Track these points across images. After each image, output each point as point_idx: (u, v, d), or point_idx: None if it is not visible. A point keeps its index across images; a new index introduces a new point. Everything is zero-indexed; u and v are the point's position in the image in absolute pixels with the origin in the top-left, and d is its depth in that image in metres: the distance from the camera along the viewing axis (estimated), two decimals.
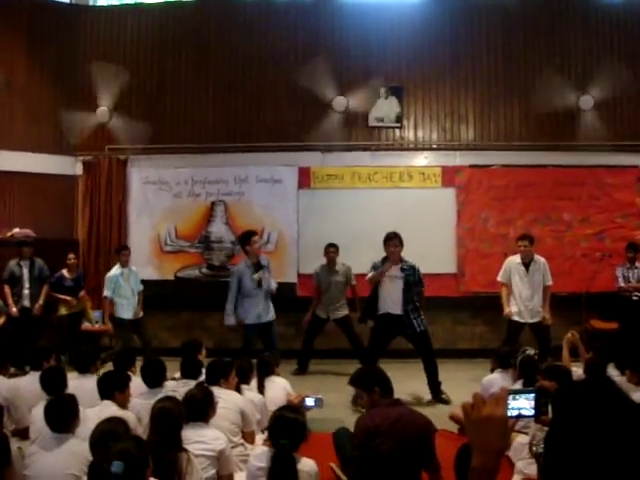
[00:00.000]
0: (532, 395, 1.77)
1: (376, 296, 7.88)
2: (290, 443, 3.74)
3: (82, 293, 9.79)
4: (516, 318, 8.49)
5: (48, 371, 5.19)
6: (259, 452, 3.94)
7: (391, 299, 7.74)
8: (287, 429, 3.82)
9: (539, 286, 8.51)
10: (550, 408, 1.70)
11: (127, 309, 9.18)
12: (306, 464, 3.87)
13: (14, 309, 9.21)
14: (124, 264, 9.29)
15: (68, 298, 9.56)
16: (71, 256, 9.77)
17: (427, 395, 7.79)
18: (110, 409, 4.58)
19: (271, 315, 8.46)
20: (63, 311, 9.60)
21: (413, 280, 7.77)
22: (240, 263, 8.56)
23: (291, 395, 5.53)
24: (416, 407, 7.28)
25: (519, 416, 1.74)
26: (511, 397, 1.71)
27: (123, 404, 4.80)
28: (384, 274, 7.76)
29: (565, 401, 1.30)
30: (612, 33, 10.51)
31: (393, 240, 7.82)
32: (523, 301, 8.49)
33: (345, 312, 9.32)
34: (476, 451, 1.56)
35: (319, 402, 4.78)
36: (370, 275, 7.86)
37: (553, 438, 1.29)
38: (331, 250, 9.33)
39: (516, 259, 8.59)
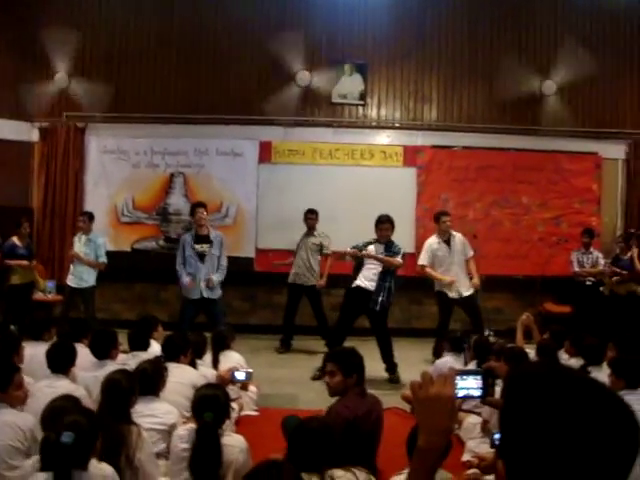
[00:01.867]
0: (480, 376, 1.76)
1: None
2: (214, 417, 3.67)
3: (34, 262, 9.58)
4: (448, 293, 8.51)
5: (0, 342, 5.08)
6: (182, 432, 3.83)
7: (369, 274, 7.73)
8: (209, 406, 3.75)
9: (462, 260, 8.58)
10: (498, 390, 1.69)
11: (71, 277, 9.02)
12: (234, 439, 3.83)
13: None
14: (79, 230, 9.10)
15: (24, 263, 9.32)
16: (26, 224, 9.55)
17: (380, 374, 7.81)
18: (61, 383, 4.49)
19: (215, 293, 8.34)
20: (15, 280, 9.37)
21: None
22: (185, 235, 8.58)
23: (225, 372, 5.45)
24: (370, 386, 7.39)
25: (467, 396, 1.74)
26: (459, 377, 1.70)
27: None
28: (359, 255, 7.78)
29: (518, 384, 1.28)
30: (577, 19, 10.58)
31: (385, 224, 7.84)
32: (454, 276, 8.50)
33: (313, 282, 9.19)
34: (422, 430, 1.54)
35: (249, 375, 4.74)
36: (348, 249, 7.83)
37: (507, 422, 1.27)
38: (310, 217, 9.29)
39: (434, 240, 8.63)
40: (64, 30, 10.46)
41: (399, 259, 7.80)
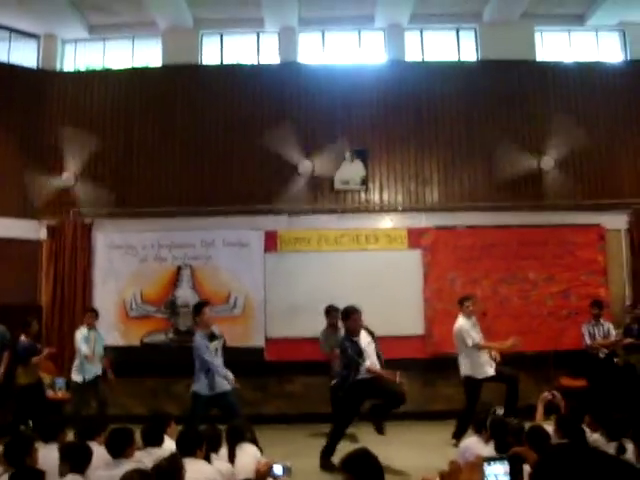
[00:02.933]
0: (507, 461, 1.77)
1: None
2: None
3: (35, 359, 9.47)
4: (479, 376, 8.45)
5: (12, 442, 5.04)
6: None
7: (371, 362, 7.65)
8: None
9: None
10: (525, 475, 1.70)
11: (81, 371, 9.00)
12: None
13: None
14: (90, 325, 9.14)
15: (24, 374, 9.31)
16: (34, 322, 9.57)
17: (398, 459, 7.68)
18: None
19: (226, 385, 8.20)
20: (21, 380, 9.32)
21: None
22: (196, 336, 7.94)
23: (260, 463, 5.38)
24: (387, 472, 7.26)
25: None
26: (486, 464, 1.71)
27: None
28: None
29: (549, 470, 1.28)
30: (569, 95, 10.85)
31: (358, 313, 7.70)
32: (482, 355, 8.51)
33: None
34: None
35: (287, 471, 4.63)
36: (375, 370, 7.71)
37: None
38: (333, 314, 9.05)
39: (465, 321, 8.59)
40: (71, 129, 10.75)
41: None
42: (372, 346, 7.72)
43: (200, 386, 7.92)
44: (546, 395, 6.56)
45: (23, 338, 9.36)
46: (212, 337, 8.04)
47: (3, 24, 11.24)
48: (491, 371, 8.46)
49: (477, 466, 1.60)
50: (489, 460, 1.76)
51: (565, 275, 10.37)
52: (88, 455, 4.76)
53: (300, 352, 9.93)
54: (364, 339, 7.70)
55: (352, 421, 7.81)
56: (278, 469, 4.54)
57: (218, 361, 7.92)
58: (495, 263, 10.35)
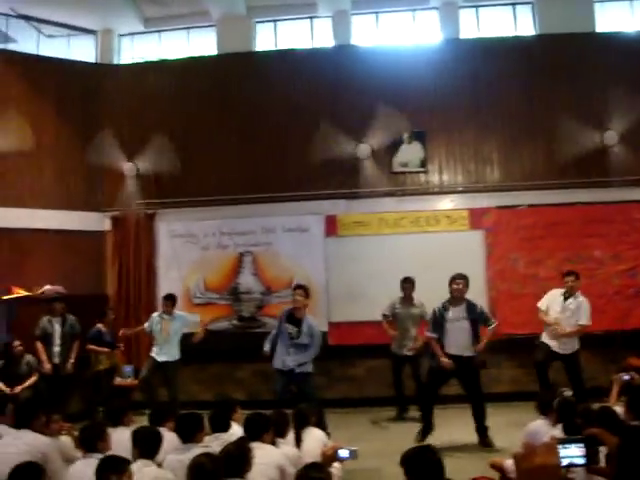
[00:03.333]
0: (582, 444, 1.73)
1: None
2: None
3: (120, 347, 9.79)
4: (547, 341, 8.49)
5: (86, 427, 5.17)
6: None
7: (456, 341, 7.66)
8: None
9: (573, 320, 8.46)
10: (602, 457, 1.66)
11: (157, 354, 9.16)
12: None
13: (48, 365, 9.19)
14: (165, 312, 9.31)
15: (106, 350, 9.58)
16: (111, 312, 9.91)
17: (465, 440, 7.64)
18: (149, 469, 4.52)
19: (302, 367, 8.15)
20: (100, 366, 9.60)
21: (479, 319, 7.76)
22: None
23: (326, 447, 5.39)
24: (455, 454, 7.23)
25: (570, 465, 1.70)
26: (561, 446, 1.67)
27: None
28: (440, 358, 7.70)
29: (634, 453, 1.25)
30: (632, 66, 10.46)
31: (457, 280, 7.78)
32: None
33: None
34: None
35: (353, 453, 4.63)
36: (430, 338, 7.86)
37: None
38: (406, 285, 9.25)
39: (559, 290, 8.64)
40: (129, 121, 10.94)
41: (493, 323, 7.91)
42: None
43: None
44: (620, 376, 6.42)
45: (100, 326, 9.63)
46: (294, 321, 8.08)
47: (62, 22, 11.47)
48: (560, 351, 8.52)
49: (552, 448, 1.57)
50: (564, 442, 1.72)
51: (631, 253, 10.11)
52: (158, 440, 4.85)
53: (362, 336, 9.95)
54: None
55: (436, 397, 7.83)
56: (344, 453, 4.54)
57: (287, 341, 8.03)
58: (559, 242, 10.15)
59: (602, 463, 1.71)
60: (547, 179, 10.33)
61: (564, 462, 1.67)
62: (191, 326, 9.42)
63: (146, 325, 9.34)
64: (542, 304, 8.69)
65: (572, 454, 1.72)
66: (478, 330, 7.73)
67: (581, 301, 8.55)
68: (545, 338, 8.58)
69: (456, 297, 7.76)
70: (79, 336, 9.55)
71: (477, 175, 10.61)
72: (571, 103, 10.46)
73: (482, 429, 7.67)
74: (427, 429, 7.74)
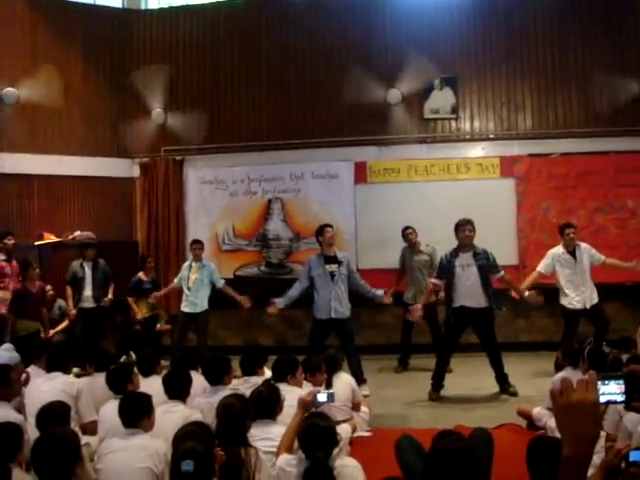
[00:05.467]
0: (622, 380, 1.70)
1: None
2: (325, 453, 3.58)
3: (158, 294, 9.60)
4: (571, 307, 8.27)
5: (114, 370, 5.25)
6: (289, 458, 3.80)
7: (465, 290, 7.49)
8: (321, 438, 3.66)
9: (588, 271, 8.28)
10: None
11: (185, 303, 9.13)
12: (349, 461, 3.80)
13: (73, 311, 9.28)
14: (196, 257, 9.18)
15: (141, 308, 9.71)
16: (150, 259, 9.98)
17: (493, 389, 7.65)
18: (178, 408, 4.60)
19: (344, 313, 8.01)
20: (144, 314, 9.68)
21: (487, 265, 7.55)
22: (310, 256, 8.30)
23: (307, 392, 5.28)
24: (483, 402, 7.26)
25: (609, 402, 1.67)
26: (600, 382, 1.64)
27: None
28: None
29: None
30: None
31: (466, 226, 7.59)
32: (576, 289, 8.25)
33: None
34: (567, 440, 1.50)
35: (330, 397, 4.68)
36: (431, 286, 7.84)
37: None
38: (406, 232, 9.20)
39: (559, 250, 8.38)
40: (158, 67, 10.85)
41: (501, 272, 7.70)
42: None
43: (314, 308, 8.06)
44: None
45: (141, 275, 9.78)
46: (330, 260, 8.03)
47: None
48: (586, 305, 8.34)
49: (591, 384, 1.54)
50: (604, 378, 1.69)
51: None
52: (187, 381, 4.92)
53: (390, 283, 9.90)
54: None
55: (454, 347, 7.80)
56: (322, 397, 4.57)
57: (329, 283, 7.92)
58: (591, 191, 10.01)
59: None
60: (581, 127, 10.16)
61: (603, 399, 1.64)
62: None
63: (175, 281, 9.25)
64: (543, 268, 8.42)
65: (611, 391, 1.69)
66: (488, 277, 7.56)
67: (588, 247, 8.38)
68: (564, 301, 8.38)
69: (466, 245, 7.60)
70: (111, 280, 9.60)
71: (509, 122, 10.44)
72: (607, 50, 10.21)
73: (502, 377, 7.64)
74: (439, 384, 7.66)
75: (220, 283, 9.15)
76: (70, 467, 3.20)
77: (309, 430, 3.73)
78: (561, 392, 1.54)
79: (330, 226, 8.13)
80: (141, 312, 9.69)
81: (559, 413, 1.54)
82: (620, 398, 1.69)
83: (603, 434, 4.82)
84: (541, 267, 8.44)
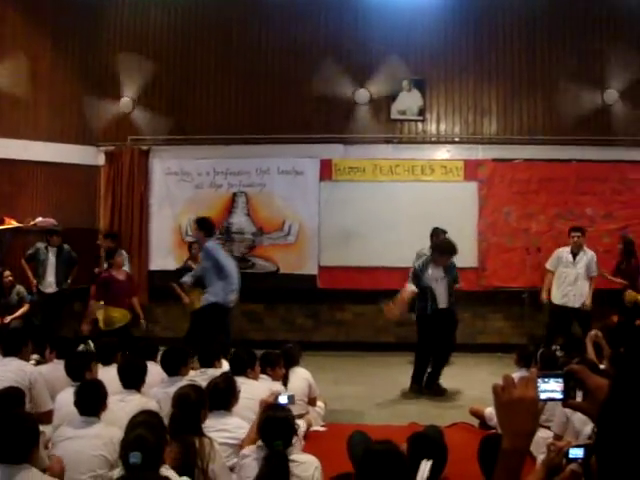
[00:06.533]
0: (561, 379, 1.77)
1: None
2: (283, 443, 3.70)
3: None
4: (558, 302, 8.78)
5: (73, 357, 5.25)
6: (252, 447, 3.91)
7: (440, 293, 7.80)
8: (280, 429, 3.77)
9: (583, 274, 8.80)
10: (578, 392, 1.70)
11: None
12: (307, 457, 3.88)
13: (34, 282, 9.37)
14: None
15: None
16: (195, 245, 9.60)
17: (448, 388, 7.76)
18: (132, 397, 4.61)
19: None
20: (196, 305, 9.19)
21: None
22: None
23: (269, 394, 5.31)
24: (437, 401, 7.37)
25: (548, 399, 1.74)
26: (541, 380, 1.71)
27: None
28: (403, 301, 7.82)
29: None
30: (637, 25, 10.36)
31: (447, 255, 7.91)
32: (566, 285, 8.77)
33: None
34: (506, 433, 1.57)
35: (291, 399, 4.77)
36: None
37: (610, 417, 1.26)
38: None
39: (566, 249, 8.92)
40: (128, 56, 10.77)
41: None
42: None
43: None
44: (592, 334, 6.52)
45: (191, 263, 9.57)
46: None
47: None
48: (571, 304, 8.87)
49: (531, 381, 1.61)
50: (544, 376, 1.76)
51: (624, 212, 10.14)
52: (142, 371, 4.94)
53: (352, 281, 10.03)
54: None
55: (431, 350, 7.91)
56: (283, 399, 4.65)
57: None
58: (552, 198, 10.18)
59: (579, 398, 1.75)
60: (545, 134, 10.32)
61: (543, 396, 1.71)
62: None
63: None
64: (550, 265, 8.97)
65: (551, 388, 1.76)
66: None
67: (591, 254, 8.90)
68: (555, 298, 8.87)
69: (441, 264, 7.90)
70: (77, 264, 9.64)
71: (475, 126, 10.57)
72: (573, 59, 10.38)
73: (436, 374, 7.86)
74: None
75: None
76: (28, 450, 3.21)
77: (268, 421, 3.83)
78: (503, 388, 1.61)
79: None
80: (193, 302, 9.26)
81: (500, 408, 1.60)
82: (559, 396, 1.76)
83: (549, 435, 4.95)
84: (547, 264, 9.07)
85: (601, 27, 10.39)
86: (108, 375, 5.01)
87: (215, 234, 8.63)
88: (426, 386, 7.77)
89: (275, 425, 3.79)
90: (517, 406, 1.56)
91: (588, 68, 10.37)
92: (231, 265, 8.03)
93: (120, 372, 4.86)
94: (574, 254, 8.83)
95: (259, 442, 3.89)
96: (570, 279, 8.77)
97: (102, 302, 8.50)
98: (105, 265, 9.44)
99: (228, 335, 8.10)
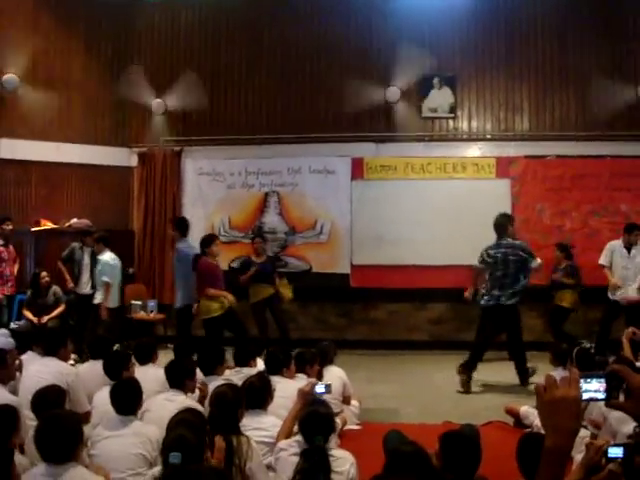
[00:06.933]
0: (604, 379, 1.77)
1: None
2: (324, 438, 3.74)
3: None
4: (616, 297, 8.63)
5: (111, 357, 5.30)
6: (289, 441, 3.96)
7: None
8: (321, 424, 3.82)
9: (637, 270, 8.63)
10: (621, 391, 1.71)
11: None
12: (344, 453, 3.90)
13: (71, 284, 9.49)
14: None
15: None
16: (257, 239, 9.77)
17: (482, 386, 7.74)
18: (178, 397, 4.62)
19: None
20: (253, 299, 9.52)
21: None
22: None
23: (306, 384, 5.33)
24: (472, 399, 7.35)
25: (591, 399, 1.75)
26: (583, 380, 1.72)
27: (192, 391, 4.86)
28: None
29: None
30: None
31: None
32: (625, 281, 8.59)
33: None
34: (549, 432, 1.58)
35: (328, 388, 4.80)
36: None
37: None
38: None
39: (618, 242, 8.78)
40: (159, 58, 10.91)
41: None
42: None
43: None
44: (629, 332, 6.46)
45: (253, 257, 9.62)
46: None
47: None
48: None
49: (574, 381, 1.62)
50: (586, 376, 1.77)
51: None
52: (189, 372, 4.95)
53: (385, 279, 10.03)
54: None
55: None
56: (320, 388, 4.69)
57: None
58: (585, 194, 10.09)
59: (621, 399, 1.75)
60: (577, 130, 10.21)
61: (585, 396, 1.72)
62: None
63: None
64: (604, 260, 8.81)
65: (593, 388, 1.77)
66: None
67: None
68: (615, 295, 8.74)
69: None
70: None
71: (506, 123, 10.50)
72: (605, 54, 10.27)
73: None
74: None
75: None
76: (73, 449, 3.26)
77: (310, 416, 3.88)
78: (545, 388, 1.62)
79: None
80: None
81: (543, 407, 1.62)
82: (601, 396, 1.76)
83: (587, 434, 4.91)
84: (601, 260, 8.88)
85: (635, 20, 10.26)
86: (144, 374, 5.06)
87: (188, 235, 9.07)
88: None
89: (317, 420, 3.84)
90: (560, 405, 1.57)
91: (620, 63, 10.26)
92: None
93: (167, 371, 4.88)
94: (627, 248, 8.70)
95: (297, 436, 3.93)
96: (627, 274, 8.63)
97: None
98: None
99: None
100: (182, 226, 9.07)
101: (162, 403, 4.43)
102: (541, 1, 10.43)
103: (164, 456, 3.16)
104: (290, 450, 3.84)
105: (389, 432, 4.59)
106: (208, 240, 8.49)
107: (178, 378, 4.79)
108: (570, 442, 1.57)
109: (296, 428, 4.09)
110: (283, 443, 3.97)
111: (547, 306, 9.36)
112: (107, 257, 9.25)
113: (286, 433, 4.23)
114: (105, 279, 9.15)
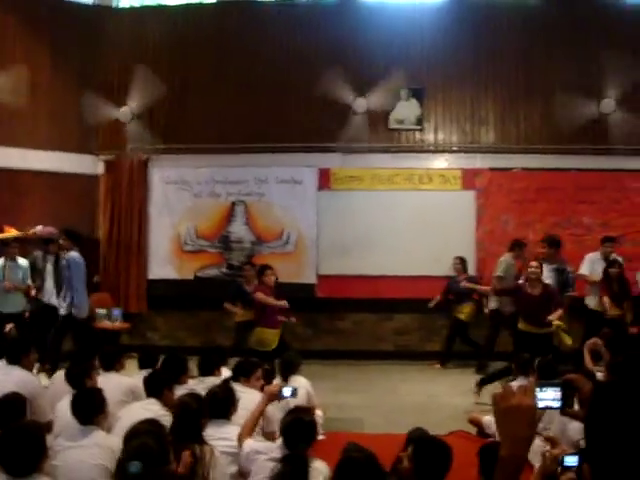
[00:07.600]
0: (559, 388, 1.80)
1: None
2: (306, 445, 3.79)
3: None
4: (596, 308, 8.97)
5: (73, 366, 5.25)
6: (269, 445, 4.00)
7: None
8: (304, 432, 3.86)
9: None
10: (576, 400, 1.74)
11: None
12: (320, 464, 3.89)
13: (34, 291, 9.39)
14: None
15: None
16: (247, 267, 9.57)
17: (445, 396, 7.79)
18: (153, 407, 4.57)
19: None
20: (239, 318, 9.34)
21: None
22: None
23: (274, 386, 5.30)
24: (436, 409, 7.39)
25: (546, 407, 1.78)
26: (539, 389, 1.74)
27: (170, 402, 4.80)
28: None
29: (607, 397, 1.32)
30: (633, 35, 10.40)
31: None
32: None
33: None
34: (505, 440, 1.60)
35: (295, 392, 4.82)
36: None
37: (594, 427, 1.31)
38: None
39: (596, 255, 9.10)
40: (126, 66, 10.80)
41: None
42: None
43: None
44: (591, 343, 6.54)
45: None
46: None
47: None
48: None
49: (529, 390, 1.64)
50: (542, 385, 1.80)
51: (621, 221, 10.18)
52: (166, 382, 4.91)
53: (350, 289, 10.06)
54: None
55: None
56: (287, 391, 4.70)
57: None
58: (549, 207, 10.23)
59: (576, 407, 1.78)
60: (542, 143, 10.36)
61: (540, 404, 1.75)
62: None
63: None
64: (584, 270, 9.13)
65: (548, 397, 1.80)
66: None
67: (621, 261, 9.01)
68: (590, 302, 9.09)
69: None
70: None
71: (472, 135, 10.61)
72: (570, 68, 10.41)
73: None
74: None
75: None
76: (37, 461, 3.21)
77: (294, 423, 3.92)
78: (502, 397, 1.64)
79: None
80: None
81: (499, 416, 1.64)
82: (556, 404, 1.79)
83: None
84: (583, 270, 9.25)
85: (598, 37, 10.41)
86: (107, 382, 5.02)
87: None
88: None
89: (300, 427, 3.89)
90: (515, 413, 1.59)
91: (585, 77, 10.40)
92: None
93: (147, 379, 4.84)
94: (606, 260, 8.98)
95: (278, 441, 3.97)
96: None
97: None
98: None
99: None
100: (75, 237, 9.06)
101: (137, 411, 4.38)
102: (508, 16, 10.57)
103: (121, 467, 3.11)
104: (269, 454, 3.86)
105: (348, 445, 4.62)
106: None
107: (157, 387, 4.75)
108: (525, 450, 1.59)
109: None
110: (262, 446, 4.00)
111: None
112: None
113: (249, 433, 4.25)
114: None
